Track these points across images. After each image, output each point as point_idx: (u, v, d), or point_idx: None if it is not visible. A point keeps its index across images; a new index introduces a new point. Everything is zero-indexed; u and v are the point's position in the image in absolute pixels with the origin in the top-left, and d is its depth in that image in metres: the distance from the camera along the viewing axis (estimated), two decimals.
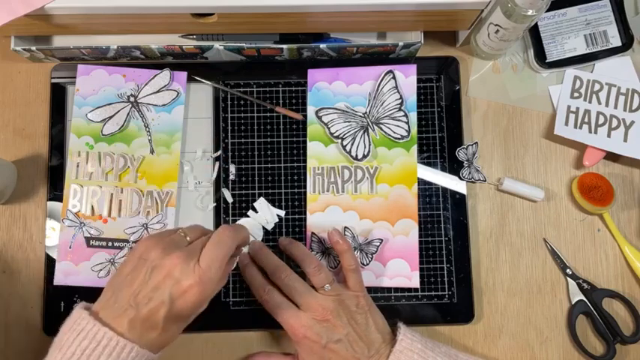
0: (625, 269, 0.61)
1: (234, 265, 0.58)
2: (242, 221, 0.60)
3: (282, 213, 0.60)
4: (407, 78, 0.62)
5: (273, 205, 0.61)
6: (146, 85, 0.61)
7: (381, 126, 0.61)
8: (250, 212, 0.60)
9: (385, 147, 0.61)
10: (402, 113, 0.61)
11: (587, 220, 0.62)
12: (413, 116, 0.61)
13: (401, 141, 0.61)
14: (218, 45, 0.59)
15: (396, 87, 0.61)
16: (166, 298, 0.43)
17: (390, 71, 0.61)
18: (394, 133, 0.61)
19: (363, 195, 0.60)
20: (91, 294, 0.57)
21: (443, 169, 0.61)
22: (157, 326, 0.43)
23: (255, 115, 0.62)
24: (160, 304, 0.43)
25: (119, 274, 0.46)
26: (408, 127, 0.61)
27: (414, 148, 0.61)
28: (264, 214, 0.60)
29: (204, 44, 0.59)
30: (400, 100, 0.61)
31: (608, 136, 0.61)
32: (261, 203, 0.60)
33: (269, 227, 0.60)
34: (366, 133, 0.61)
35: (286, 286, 0.53)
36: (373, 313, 0.53)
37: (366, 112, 0.61)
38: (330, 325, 0.51)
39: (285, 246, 0.57)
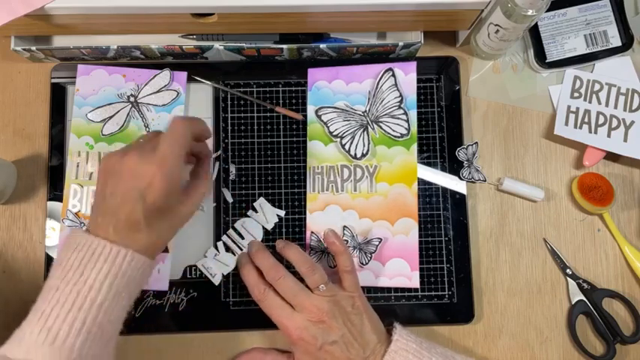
0: (625, 269, 0.61)
1: (218, 282, 0.58)
2: (242, 221, 0.60)
3: (282, 213, 0.60)
4: (407, 75, 0.62)
5: (273, 205, 0.61)
6: (146, 85, 0.61)
7: (381, 124, 0.61)
8: (250, 212, 0.60)
9: (385, 145, 0.61)
10: (401, 111, 0.61)
11: (587, 220, 0.62)
12: (413, 114, 0.61)
13: (400, 139, 0.61)
14: (218, 45, 0.59)
15: (396, 85, 0.61)
16: (136, 194, 0.44)
17: (390, 69, 0.61)
18: (393, 131, 0.60)
19: (363, 194, 0.60)
20: None
21: (443, 169, 0.61)
22: (139, 225, 0.45)
23: (255, 115, 0.62)
24: (134, 203, 0.44)
25: (96, 194, 0.48)
26: (408, 125, 0.61)
27: (414, 147, 0.61)
28: (264, 214, 0.60)
29: (204, 44, 0.59)
30: (400, 98, 0.61)
31: (608, 136, 0.61)
32: (261, 203, 0.60)
33: (269, 227, 0.60)
34: (365, 132, 0.61)
35: (281, 286, 0.53)
36: (369, 314, 0.53)
37: (365, 111, 0.61)
38: (326, 326, 0.51)
39: (280, 248, 0.57)
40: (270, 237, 0.60)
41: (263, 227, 0.60)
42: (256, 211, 0.60)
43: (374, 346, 0.51)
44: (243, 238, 0.60)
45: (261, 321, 0.56)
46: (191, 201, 0.49)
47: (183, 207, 0.48)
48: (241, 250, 0.59)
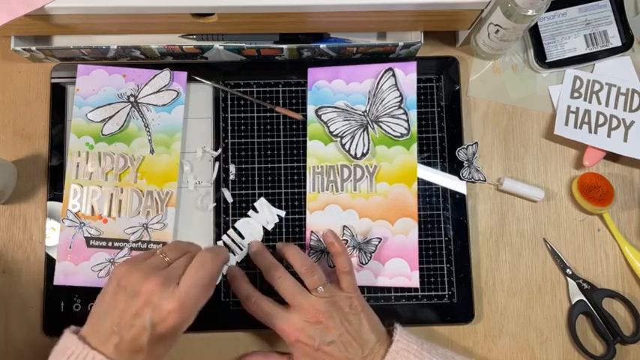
0: (625, 269, 0.61)
1: (218, 282, 0.58)
2: (242, 221, 0.60)
3: (282, 213, 0.60)
4: (407, 75, 0.62)
5: (274, 205, 0.60)
6: (146, 85, 0.61)
7: (381, 124, 0.61)
8: (250, 212, 0.60)
9: (385, 145, 0.61)
10: (401, 111, 0.61)
11: (587, 220, 0.62)
12: (413, 114, 0.61)
13: (400, 139, 0.61)
14: (218, 45, 0.59)
15: (396, 84, 0.61)
16: (147, 323, 0.43)
17: (390, 69, 0.61)
18: (393, 131, 0.60)
19: (363, 194, 0.60)
20: (90, 294, 0.58)
21: (443, 169, 0.61)
22: (142, 350, 0.43)
23: (255, 115, 0.62)
24: (142, 330, 0.43)
25: (101, 300, 0.46)
26: (408, 125, 0.61)
27: (414, 147, 0.61)
28: (265, 214, 0.60)
29: (204, 44, 0.59)
30: (400, 98, 0.61)
31: (608, 136, 0.61)
32: (261, 203, 0.60)
33: (269, 227, 0.60)
34: (365, 132, 0.61)
35: (279, 285, 0.53)
36: (367, 314, 0.53)
37: (365, 111, 0.61)
38: (323, 327, 0.51)
39: (280, 248, 0.57)
40: (270, 237, 0.60)
41: (263, 227, 0.60)
42: (257, 211, 0.60)
43: (373, 346, 0.51)
44: (243, 237, 0.60)
45: (261, 321, 0.56)
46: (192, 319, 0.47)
47: (184, 329, 0.46)
48: (241, 249, 0.59)
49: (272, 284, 0.54)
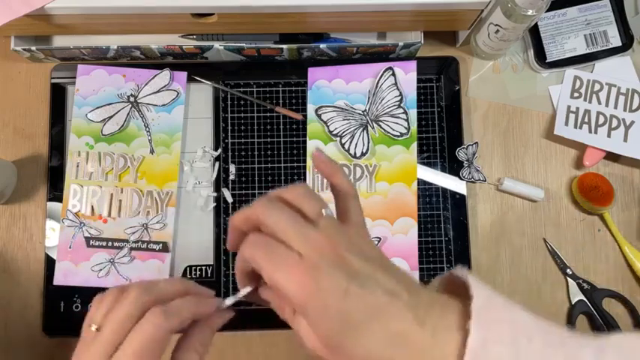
0: (625, 269, 0.61)
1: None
2: None
3: None
4: (407, 75, 0.62)
5: None
6: (146, 85, 0.61)
7: (380, 123, 0.61)
8: None
9: (384, 145, 0.61)
10: (401, 110, 0.61)
11: (587, 220, 0.62)
12: (413, 113, 0.61)
13: (400, 138, 0.61)
14: (218, 45, 0.59)
15: (396, 84, 0.61)
16: None
17: (390, 68, 0.61)
18: (393, 130, 0.60)
19: (362, 193, 0.60)
20: (90, 294, 0.57)
21: (443, 169, 0.61)
22: None
23: (255, 115, 0.62)
24: None
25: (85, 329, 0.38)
26: (408, 124, 0.61)
27: (414, 146, 0.61)
28: None
29: (204, 44, 0.59)
30: (400, 97, 0.61)
31: (608, 136, 0.61)
32: None
33: None
34: (365, 131, 0.61)
35: (276, 225, 0.33)
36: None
37: (365, 110, 0.61)
38: (345, 262, 0.32)
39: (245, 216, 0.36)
40: None
41: None
42: None
43: (425, 294, 0.32)
44: None
45: (261, 321, 0.56)
46: None
47: None
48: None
49: (267, 230, 0.34)
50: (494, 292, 0.32)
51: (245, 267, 0.37)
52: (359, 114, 0.61)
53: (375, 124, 0.61)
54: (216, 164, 0.61)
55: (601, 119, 0.62)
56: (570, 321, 0.59)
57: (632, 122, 0.61)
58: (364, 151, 0.60)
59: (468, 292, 0.31)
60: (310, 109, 0.62)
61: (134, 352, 0.34)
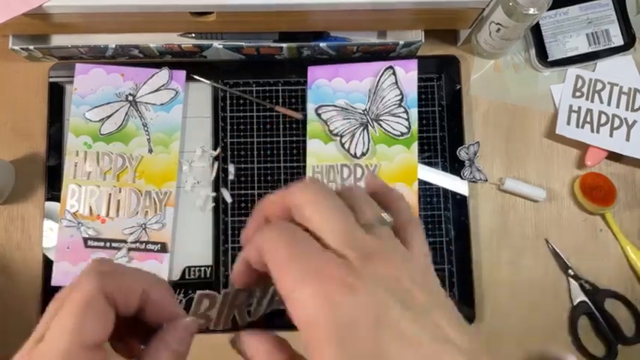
0: (627, 270, 0.61)
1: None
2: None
3: None
4: (407, 73, 0.61)
5: None
6: (144, 84, 0.61)
7: (381, 123, 0.60)
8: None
9: (385, 144, 0.60)
10: (401, 109, 0.60)
11: (589, 220, 0.62)
12: (413, 112, 0.61)
13: (401, 138, 0.60)
14: (217, 44, 0.58)
15: (396, 83, 0.61)
16: None
17: (390, 67, 0.61)
18: (394, 129, 0.60)
19: None
20: None
21: (444, 169, 0.61)
22: None
23: (255, 114, 0.62)
24: None
25: None
26: (409, 123, 0.60)
27: (415, 145, 0.60)
28: None
29: (203, 43, 0.59)
30: (400, 96, 0.60)
31: (611, 135, 0.61)
32: None
33: None
34: (365, 131, 0.60)
35: (320, 214, 0.25)
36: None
37: (365, 109, 0.61)
38: (401, 286, 0.24)
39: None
40: None
41: None
42: None
43: (477, 343, 0.24)
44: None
45: (261, 321, 0.55)
46: None
47: None
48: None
49: (303, 222, 0.26)
50: None
51: (246, 270, 0.28)
52: (359, 113, 0.61)
53: (375, 124, 0.61)
54: (215, 164, 0.61)
55: (603, 119, 0.61)
56: (572, 322, 0.59)
57: (635, 122, 0.61)
58: (364, 150, 0.60)
59: None
60: (310, 108, 0.61)
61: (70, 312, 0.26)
